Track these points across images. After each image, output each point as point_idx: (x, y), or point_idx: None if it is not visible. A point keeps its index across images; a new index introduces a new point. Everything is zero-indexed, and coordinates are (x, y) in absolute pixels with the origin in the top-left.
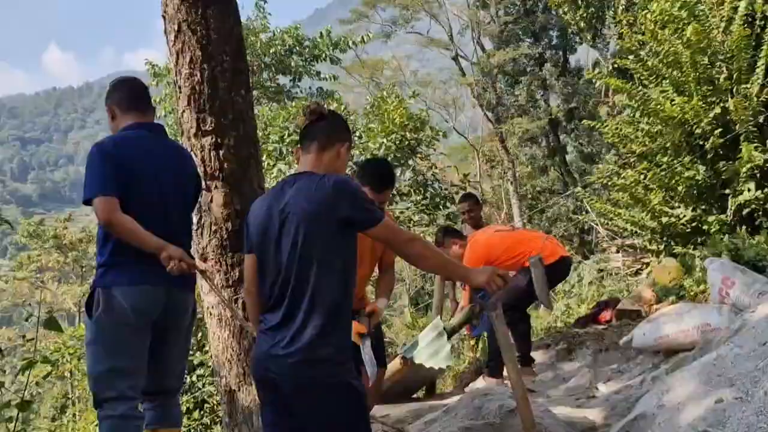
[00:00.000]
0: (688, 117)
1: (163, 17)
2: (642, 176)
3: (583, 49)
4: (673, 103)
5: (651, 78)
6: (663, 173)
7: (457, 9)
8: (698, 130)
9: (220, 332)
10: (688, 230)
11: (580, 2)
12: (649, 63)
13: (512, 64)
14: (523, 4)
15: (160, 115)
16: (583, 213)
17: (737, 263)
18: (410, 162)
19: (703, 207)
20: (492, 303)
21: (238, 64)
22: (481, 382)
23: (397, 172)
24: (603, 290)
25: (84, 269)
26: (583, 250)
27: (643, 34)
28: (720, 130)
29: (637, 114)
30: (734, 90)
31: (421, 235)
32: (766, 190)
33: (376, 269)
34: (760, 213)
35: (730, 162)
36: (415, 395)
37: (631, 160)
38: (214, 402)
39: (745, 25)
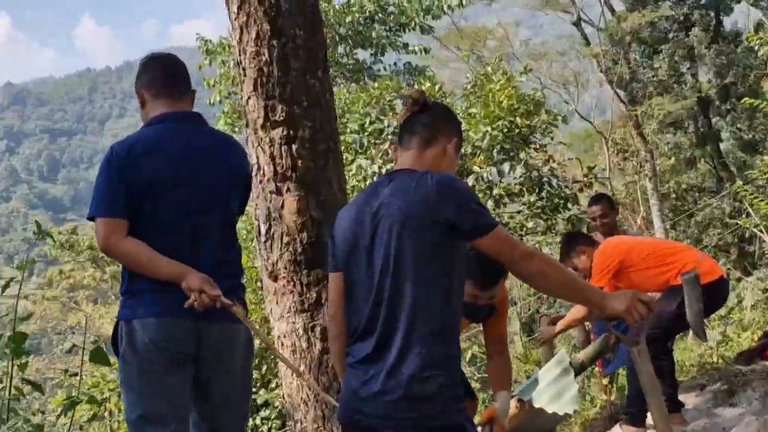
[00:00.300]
0: None
1: None
2: None
3: (741, 8)
4: None
5: None
6: None
7: None
8: None
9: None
10: None
11: None
12: None
13: (650, 30)
14: None
15: (214, 100)
16: (744, 216)
17: None
18: (522, 155)
19: None
20: (632, 337)
21: (313, 39)
22: None
23: (506, 167)
24: None
25: None
26: (743, 263)
27: None
28: None
29: None
30: None
31: (537, 246)
32: None
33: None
34: None
35: None
36: None
37: None
38: None
39: None
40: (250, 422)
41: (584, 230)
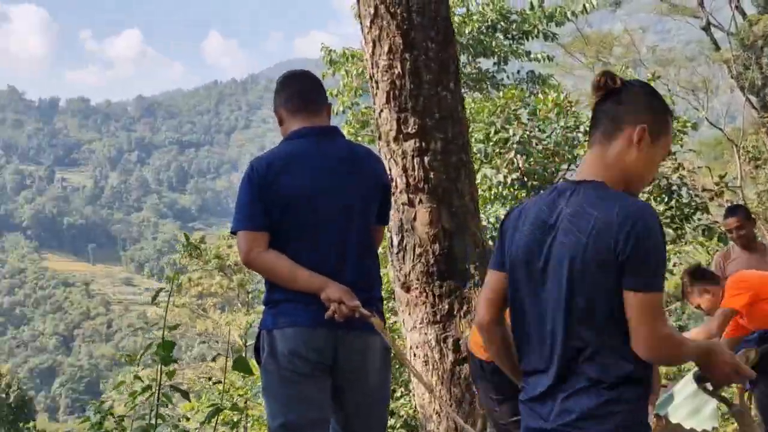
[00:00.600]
0: None
1: None
2: None
3: None
4: None
5: None
6: None
7: None
8: None
9: (426, 378)
10: None
11: None
12: None
13: None
14: None
15: (337, 110)
16: None
17: None
18: None
19: None
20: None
21: (445, 52)
22: None
23: None
24: None
25: (251, 295)
26: None
27: None
28: None
29: None
30: None
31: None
32: None
33: None
34: None
35: None
36: None
37: None
38: None
39: None
40: None
41: (716, 240)
